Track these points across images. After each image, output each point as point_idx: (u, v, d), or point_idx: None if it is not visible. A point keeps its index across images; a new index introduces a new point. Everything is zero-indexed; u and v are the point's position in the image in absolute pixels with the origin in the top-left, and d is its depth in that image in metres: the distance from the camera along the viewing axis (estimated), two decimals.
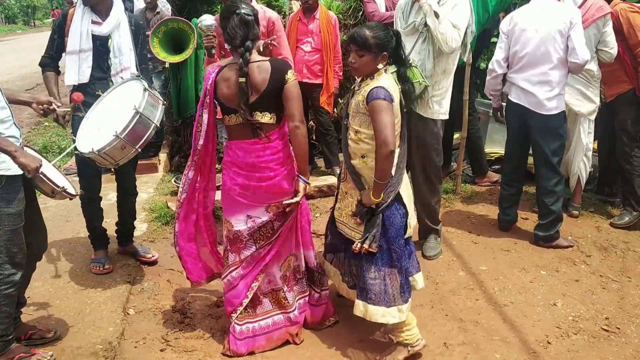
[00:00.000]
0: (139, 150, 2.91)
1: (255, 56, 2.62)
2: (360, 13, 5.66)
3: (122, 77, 3.27)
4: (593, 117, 4.21)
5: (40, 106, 2.79)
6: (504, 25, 3.88)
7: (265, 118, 2.63)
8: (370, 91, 2.52)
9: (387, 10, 4.86)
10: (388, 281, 2.59)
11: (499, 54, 3.89)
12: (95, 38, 3.22)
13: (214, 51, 3.53)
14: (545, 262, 3.70)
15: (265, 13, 3.60)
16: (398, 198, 2.64)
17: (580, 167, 4.30)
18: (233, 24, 2.56)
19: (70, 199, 2.73)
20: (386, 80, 2.58)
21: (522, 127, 3.89)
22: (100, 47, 3.24)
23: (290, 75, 2.61)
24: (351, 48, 2.61)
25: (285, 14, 5.59)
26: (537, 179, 3.96)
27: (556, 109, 3.71)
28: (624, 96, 4.15)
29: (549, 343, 2.85)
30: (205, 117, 2.68)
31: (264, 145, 2.65)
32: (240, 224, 2.73)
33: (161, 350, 2.79)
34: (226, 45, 2.71)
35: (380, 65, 2.58)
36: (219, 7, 5.08)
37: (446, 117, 3.53)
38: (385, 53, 2.55)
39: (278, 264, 2.84)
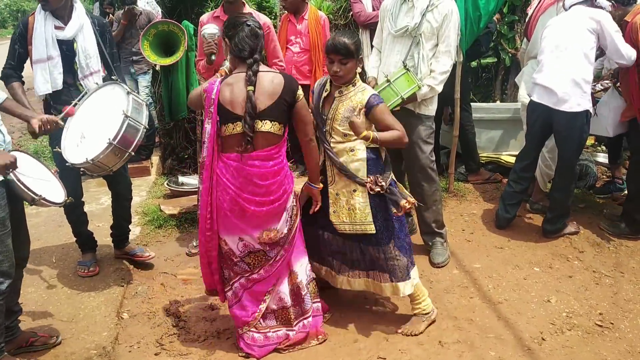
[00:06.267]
0: (132, 153, 2.90)
1: (264, 67, 2.63)
2: (351, 13, 5.65)
3: (96, 83, 3.22)
4: None
5: (40, 123, 2.67)
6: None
7: (267, 127, 2.57)
8: (369, 99, 2.72)
9: (373, 10, 4.84)
10: (404, 253, 2.85)
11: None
12: (60, 43, 3.16)
13: (213, 57, 3.41)
14: (538, 258, 3.71)
15: (259, 17, 3.58)
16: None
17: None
18: (243, 35, 2.57)
19: (60, 207, 2.70)
20: (367, 86, 2.83)
21: (543, 128, 3.88)
22: (67, 51, 3.20)
23: (300, 93, 2.64)
24: (333, 59, 2.72)
25: (277, 14, 5.57)
26: (555, 174, 4.02)
27: (579, 106, 3.67)
28: (633, 123, 3.90)
29: (543, 339, 2.86)
30: (208, 127, 2.60)
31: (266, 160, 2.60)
32: (232, 243, 2.69)
33: (155, 355, 2.78)
34: (228, 56, 2.68)
35: (358, 69, 2.77)
36: (209, 9, 5.07)
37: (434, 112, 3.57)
38: (361, 56, 2.76)
39: (286, 280, 2.82)
